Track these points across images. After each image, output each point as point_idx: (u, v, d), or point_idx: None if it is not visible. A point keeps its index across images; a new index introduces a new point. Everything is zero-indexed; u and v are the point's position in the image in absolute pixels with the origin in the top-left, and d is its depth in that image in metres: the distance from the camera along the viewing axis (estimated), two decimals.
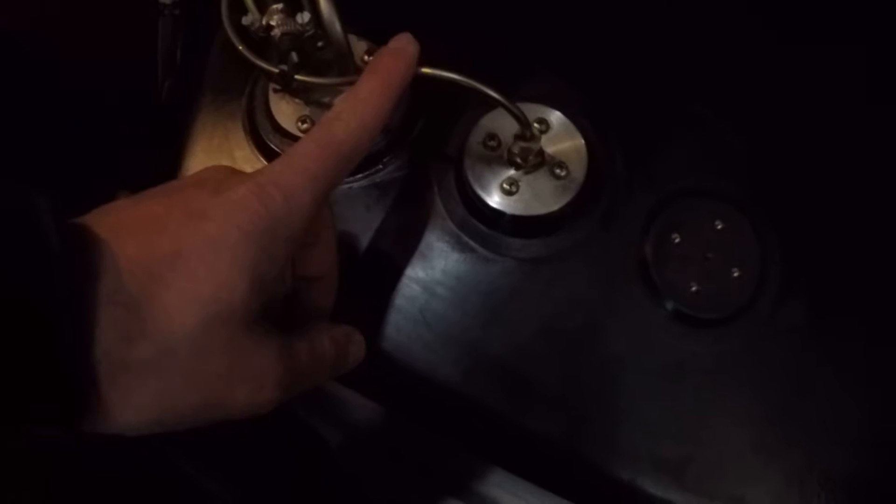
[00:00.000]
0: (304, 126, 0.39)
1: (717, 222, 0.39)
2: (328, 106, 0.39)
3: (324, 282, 0.32)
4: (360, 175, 0.40)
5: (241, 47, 0.37)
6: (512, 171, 0.38)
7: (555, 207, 0.37)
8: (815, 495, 0.38)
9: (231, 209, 0.25)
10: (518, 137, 0.36)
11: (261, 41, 0.37)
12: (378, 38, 0.38)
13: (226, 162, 0.41)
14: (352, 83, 0.31)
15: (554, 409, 0.38)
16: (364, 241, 0.40)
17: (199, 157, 0.41)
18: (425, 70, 0.33)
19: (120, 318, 0.23)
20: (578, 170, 0.38)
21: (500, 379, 0.38)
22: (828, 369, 0.39)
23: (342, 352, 0.32)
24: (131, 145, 0.47)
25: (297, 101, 0.40)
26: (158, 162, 0.43)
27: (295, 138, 0.39)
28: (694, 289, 0.38)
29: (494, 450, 0.40)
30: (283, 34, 0.35)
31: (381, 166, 0.40)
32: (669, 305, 0.39)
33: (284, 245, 0.26)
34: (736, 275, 0.39)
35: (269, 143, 0.40)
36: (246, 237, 0.25)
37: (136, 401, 0.24)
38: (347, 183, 0.40)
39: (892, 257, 0.40)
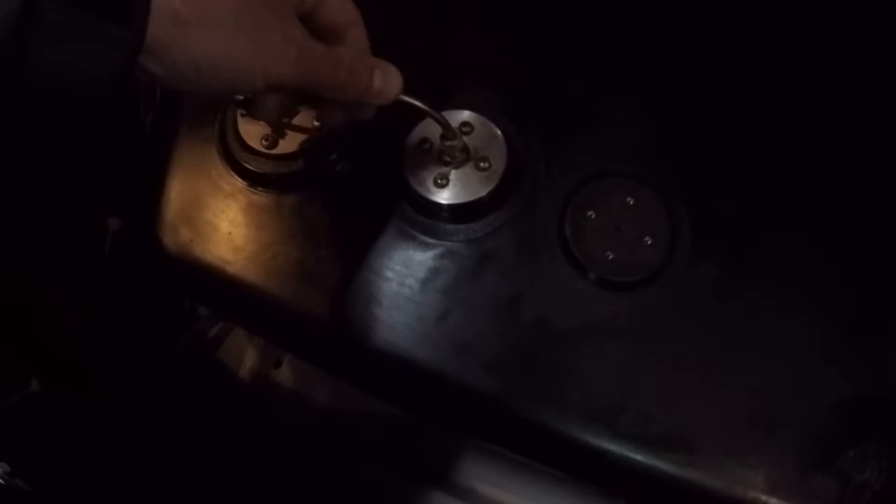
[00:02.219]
0: (267, 143, 0.48)
1: (628, 199, 0.47)
2: (288, 125, 0.49)
3: (353, 29, 0.39)
4: (314, 181, 0.49)
5: None
6: (442, 168, 0.46)
7: (481, 194, 0.46)
8: (738, 430, 0.45)
9: None
10: (443, 138, 0.45)
11: None
12: None
13: (202, 180, 0.50)
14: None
15: (493, 370, 0.46)
16: (323, 237, 0.48)
17: (180, 177, 0.51)
18: None
19: None
20: (499, 161, 0.46)
21: (444, 347, 0.46)
22: (738, 321, 0.46)
23: (362, 69, 0.38)
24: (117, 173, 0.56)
25: (260, 123, 0.49)
26: (144, 185, 0.53)
27: (261, 154, 0.48)
28: (610, 257, 0.46)
29: (441, 411, 0.48)
30: None
31: (335, 171, 0.49)
32: (590, 273, 0.46)
33: None
34: (648, 242, 0.47)
35: (239, 160, 0.49)
36: None
37: (185, 40, 0.30)
38: (303, 189, 0.49)
39: (792, 214, 0.48)
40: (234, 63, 0.33)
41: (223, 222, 0.49)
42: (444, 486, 0.66)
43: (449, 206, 0.46)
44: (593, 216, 0.47)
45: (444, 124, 0.44)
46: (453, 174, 0.46)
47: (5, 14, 0.27)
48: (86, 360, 0.56)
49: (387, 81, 0.39)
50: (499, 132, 0.47)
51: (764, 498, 0.45)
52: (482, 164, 0.46)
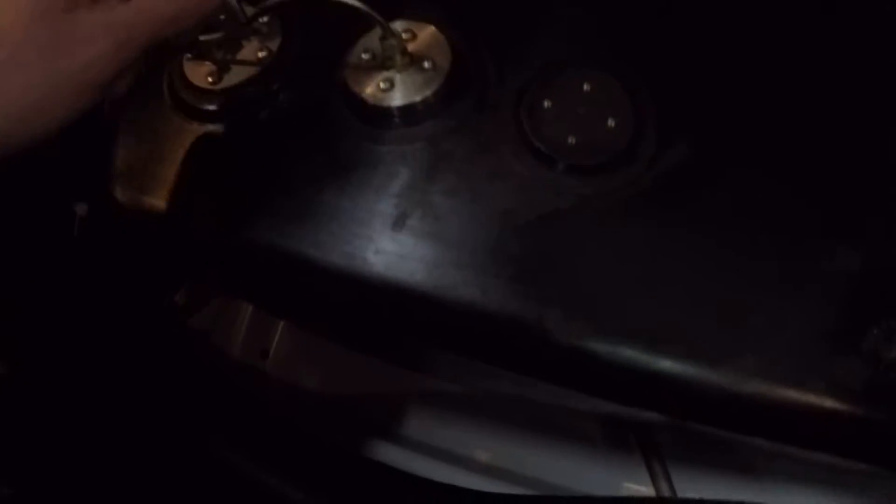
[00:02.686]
0: (213, 79, 0.48)
1: (584, 86, 0.45)
2: (233, 60, 0.48)
3: None
4: (259, 113, 0.48)
5: None
6: (386, 73, 0.45)
7: (427, 93, 0.45)
8: (740, 319, 0.41)
9: None
10: (381, 39, 0.44)
11: None
12: None
13: (152, 129, 0.50)
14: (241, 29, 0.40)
15: (461, 271, 0.43)
16: (276, 165, 0.47)
17: (130, 131, 0.51)
18: None
19: None
20: (443, 60, 0.45)
21: (414, 259, 0.44)
22: (722, 202, 0.43)
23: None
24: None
25: (205, 63, 0.49)
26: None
27: (206, 90, 0.48)
28: (573, 141, 0.44)
29: (421, 323, 0.45)
30: None
31: (275, 99, 0.48)
32: (552, 161, 0.44)
33: None
34: (612, 124, 0.44)
35: (186, 100, 0.49)
36: None
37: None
38: (253, 120, 0.48)
39: (762, 89, 0.45)
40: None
41: (174, 165, 0.48)
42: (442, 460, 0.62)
43: (396, 108, 0.45)
44: (549, 105, 0.45)
45: (379, 21, 0.43)
46: (398, 78, 0.45)
47: None
48: (55, 341, 0.54)
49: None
50: (440, 34, 0.46)
51: (783, 391, 0.41)
52: (426, 65, 0.45)
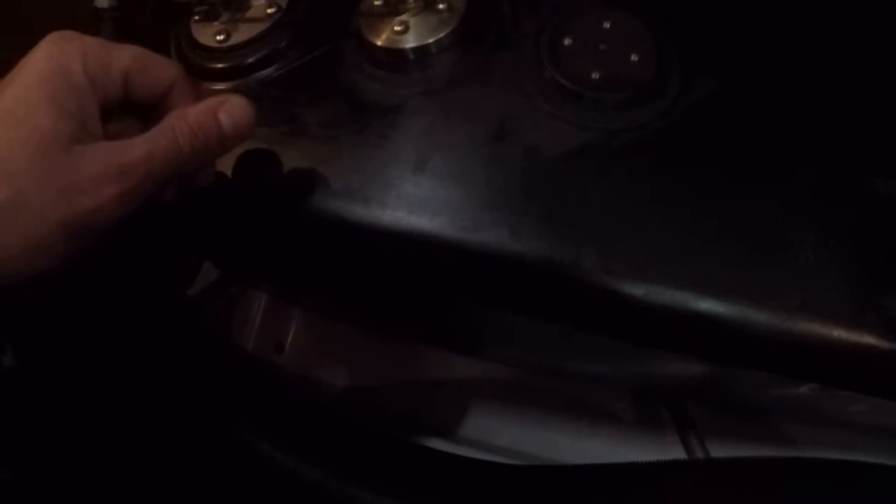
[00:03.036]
0: (221, 38, 0.47)
1: (604, 23, 0.45)
2: (242, 19, 0.48)
3: (175, 90, 0.37)
4: (270, 69, 0.47)
5: None
6: (401, 17, 0.44)
7: (444, 34, 0.44)
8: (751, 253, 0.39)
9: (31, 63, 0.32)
10: None
11: None
12: None
13: None
14: None
15: (485, 213, 0.41)
16: (290, 116, 0.46)
17: None
18: None
19: None
20: (458, 1, 0.44)
21: (438, 202, 0.42)
22: (744, 134, 0.42)
23: (204, 122, 0.35)
24: None
25: (214, 23, 0.48)
26: None
27: (215, 49, 0.47)
28: (595, 76, 0.43)
29: (447, 270, 0.43)
30: None
31: (285, 53, 0.47)
32: (576, 95, 0.43)
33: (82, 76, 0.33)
34: (635, 59, 0.43)
35: (196, 61, 0.48)
36: (42, 80, 0.32)
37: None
38: (263, 76, 0.47)
39: (782, 15, 0.45)
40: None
41: None
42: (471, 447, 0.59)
43: (411, 50, 0.44)
44: (570, 42, 0.44)
45: None
46: (412, 21, 0.44)
47: None
48: (64, 333, 0.52)
49: (234, 114, 0.37)
50: None
51: (832, 327, 0.39)
52: (440, 7, 0.44)
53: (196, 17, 0.48)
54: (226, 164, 0.44)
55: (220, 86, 0.48)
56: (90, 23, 0.58)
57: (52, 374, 0.52)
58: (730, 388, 0.52)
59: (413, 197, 0.42)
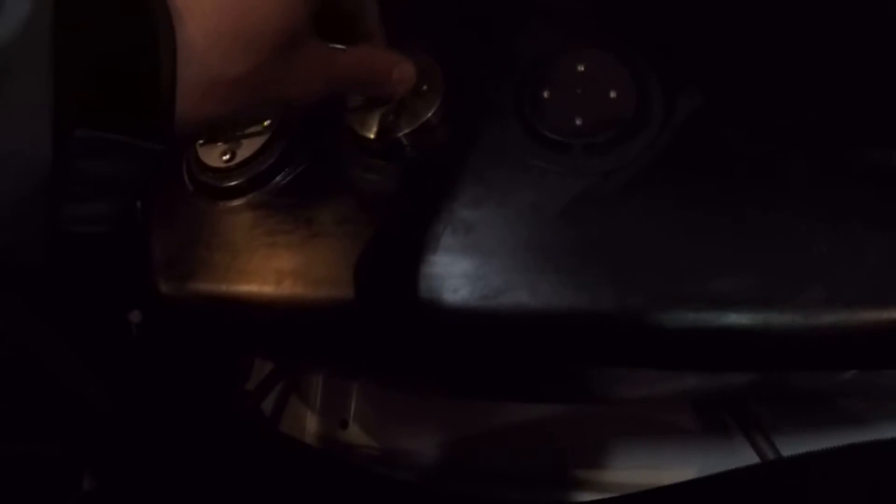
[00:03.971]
0: (227, 157, 0.51)
1: (577, 67, 0.47)
2: (242, 135, 0.51)
3: (368, 13, 0.41)
4: (279, 177, 0.51)
5: None
6: (386, 107, 0.47)
7: (430, 114, 0.46)
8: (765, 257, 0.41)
9: None
10: None
11: None
12: None
13: (181, 217, 0.52)
14: None
15: (512, 279, 0.43)
16: (308, 222, 0.49)
17: (162, 224, 0.53)
18: None
19: None
20: (436, 81, 0.47)
21: (455, 276, 0.45)
22: (737, 144, 0.43)
23: (383, 68, 0.41)
24: None
25: (217, 144, 0.52)
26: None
27: (224, 169, 0.51)
28: (578, 122, 0.45)
29: (475, 340, 0.45)
30: None
31: (289, 159, 0.50)
32: (565, 146, 0.45)
33: None
34: (614, 96, 0.45)
35: (208, 182, 0.52)
36: None
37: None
38: (272, 186, 0.50)
39: (748, 25, 0.46)
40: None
41: (208, 245, 0.51)
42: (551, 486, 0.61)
43: (403, 136, 0.47)
44: (549, 94, 0.46)
45: None
46: (399, 108, 0.47)
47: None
48: (138, 452, 0.56)
49: (403, 75, 0.42)
50: (425, 56, 0.48)
51: (862, 313, 0.40)
52: (423, 88, 0.47)
53: (200, 141, 0.52)
54: (264, 272, 0.48)
55: (233, 202, 0.52)
56: None
57: (128, 497, 0.56)
58: (785, 383, 0.53)
59: (431, 275, 0.45)
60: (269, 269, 0.49)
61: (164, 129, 0.30)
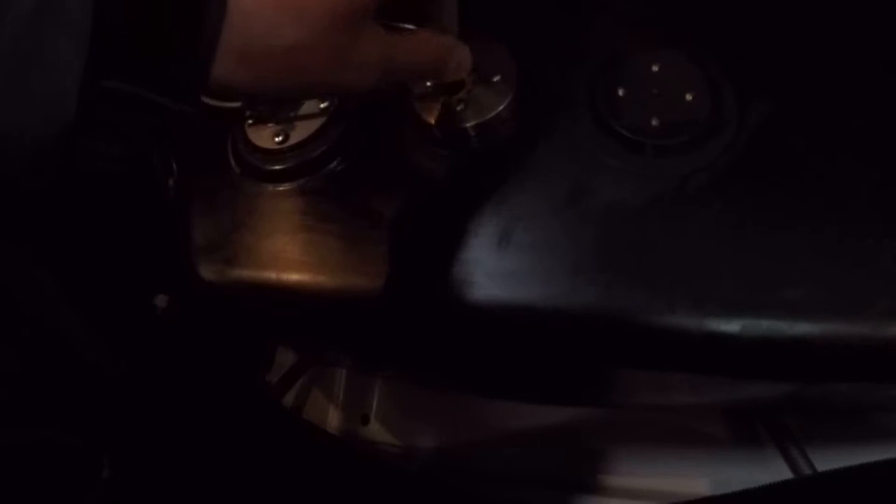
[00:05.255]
0: (280, 139, 0.50)
1: (652, 67, 0.47)
2: (296, 117, 0.50)
3: None
4: (333, 163, 0.50)
5: (211, 101, 0.49)
6: (457, 95, 0.47)
7: (503, 105, 0.46)
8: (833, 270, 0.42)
9: None
10: None
11: None
12: None
13: (225, 199, 0.51)
14: None
15: (577, 278, 0.44)
16: (362, 211, 0.48)
17: (203, 206, 0.52)
18: None
19: None
20: (510, 71, 0.47)
21: (529, 273, 0.45)
22: (807, 146, 0.44)
23: (443, 52, 0.39)
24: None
25: (269, 124, 0.51)
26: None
27: (277, 151, 0.50)
28: (655, 123, 0.46)
29: (544, 339, 0.45)
30: None
31: (346, 145, 0.50)
32: (641, 146, 0.45)
33: None
34: (690, 98, 0.46)
35: (257, 164, 0.50)
36: None
37: None
38: (327, 172, 0.50)
39: (824, 32, 0.47)
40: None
41: (255, 230, 0.50)
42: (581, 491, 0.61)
43: (473, 126, 0.46)
44: (624, 93, 0.47)
45: None
46: (469, 97, 0.47)
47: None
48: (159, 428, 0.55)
49: (461, 62, 0.41)
50: (502, 47, 0.48)
51: None
52: (495, 79, 0.47)
53: (250, 121, 0.51)
54: (316, 261, 0.47)
55: (283, 186, 0.51)
56: None
57: (148, 485, 0.55)
58: (824, 398, 0.54)
59: (501, 272, 0.45)
60: (323, 258, 0.48)
61: (194, 89, 0.29)
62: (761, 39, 0.47)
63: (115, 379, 0.54)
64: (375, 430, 0.67)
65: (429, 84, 0.48)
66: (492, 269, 0.44)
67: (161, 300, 0.59)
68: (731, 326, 0.42)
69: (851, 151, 0.44)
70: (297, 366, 0.65)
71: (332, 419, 0.68)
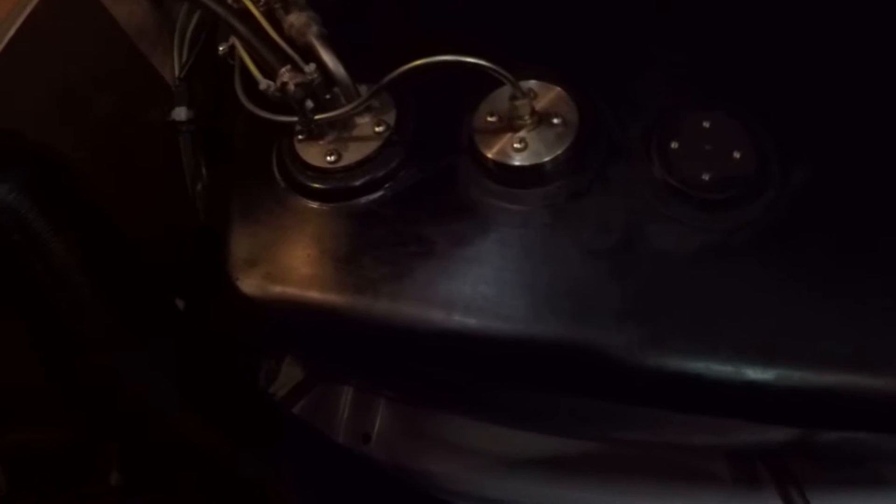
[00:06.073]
0: (333, 158, 0.51)
1: (703, 123, 0.50)
2: (350, 137, 0.52)
3: None
4: (382, 189, 0.51)
5: (263, 113, 0.50)
6: (518, 133, 0.49)
7: (563, 148, 0.49)
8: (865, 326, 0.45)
9: None
10: (512, 98, 0.48)
11: (277, 104, 0.50)
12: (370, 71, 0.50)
13: (268, 212, 0.52)
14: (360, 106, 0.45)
15: (623, 322, 0.46)
16: (407, 237, 0.50)
17: (244, 216, 0.53)
18: (421, 62, 0.45)
19: None
20: (571, 115, 0.49)
21: (563, 310, 0.47)
22: (843, 210, 0.48)
23: None
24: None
25: (319, 142, 0.52)
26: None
27: (328, 170, 0.51)
28: (706, 177, 0.49)
29: (578, 379, 0.48)
30: (296, 86, 0.48)
31: (399, 170, 0.51)
32: (691, 199, 0.48)
33: None
34: (737, 156, 0.49)
35: (305, 182, 0.51)
36: None
37: None
38: (377, 194, 0.51)
39: (865, 100, 0.51)
40: None
41: (298, 247, 0.51)
42: None
43: (535, 166, 0.48)
44: (677, 146, 0.49)
45: (510, 80, 0.47)
46: (529, 136, 0.49)
47: None
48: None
49: None
50: (564, 92, 0.50)
51: None
52: (555, 121, 0.49)
53: (300, 137, 0.52)
54: (365, 284, 0.48)
55: (331, 205, 0.52)
56: (167, 134, 0.61)
57: (156, 491, 0.55)
58: (834, 445, 0.58)
59: (550, 310, 0.47)
60: (368, 281, 0.49)
61: None
62: (809, 105, 0.51)
63: (130, 382, 0.54)
64: (376, 449, 0.69)
65: (489, 119, 0.50)
66: (541, 305, 0.47)
67: (178, 304, 0.59)
68: (767, 375, 0.46)
69: (881, 218, 0.48)
70: (304, 382, 0.65)
71: (335, 436, 0.69)
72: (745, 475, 0.65)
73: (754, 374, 0.45)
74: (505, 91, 0.48)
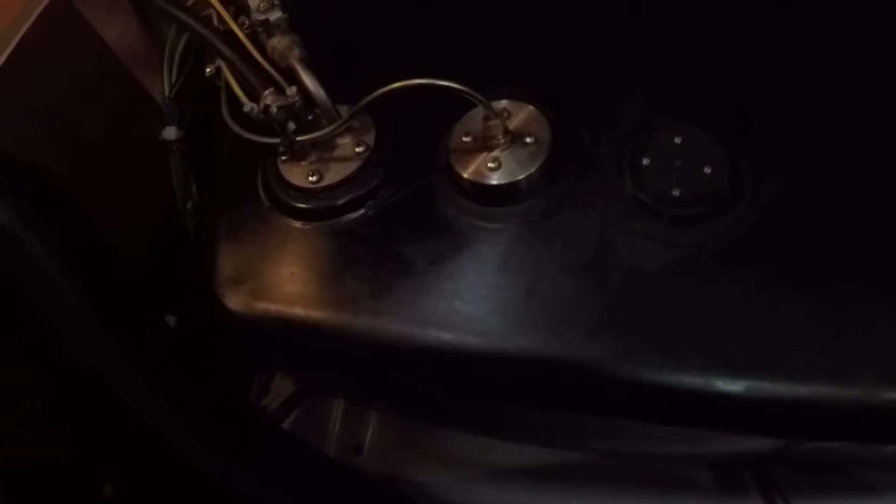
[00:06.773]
0: (315, 178, 0.54)
1: (675, 139, 0.52)
2: (330, 158, 0.54)
3: None
4: (363, 208, 0.54)
5: (248, 135, 0.53)
6: (491, 153, 0.52)
7: (536, 167, 0.51)
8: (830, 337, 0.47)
9: None
10: (485, 119, 0.51)
11: (260, 126, 0.53)
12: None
13: (253, 231, 0.55)
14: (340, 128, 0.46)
15: (596, 335, 0.48)
16: (388, 254, 0.52)
17: (230, 235, 0.55)
18: (397, 85, 0.48)
19: None
20: (543, 134, 0.52)
21: (539, 324, 0.49)
22: (818, 225, 0.50)
23: None
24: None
25: (302, 162, 0.54)
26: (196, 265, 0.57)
27: (310, 190, 0.54)
28: (676, 193, 0.51)
29: (554, 393, 0.50)
30: (278, 108, 0.51)
31: (378, 189, 0.54)
32: (662, 213, 0.51)
33: None
34: (709, 171, 0.51)
35: (288, 201, 0.54)
36: None
37: None
38: (358, 213, 0.53)
39: (836, 109, 0.53)
40: None
41: (282, 265, 0.53)
42: None
43: (508, 185, 0.51)
44: (648, 162, 0.52)
45: (483, 102, 0.49)
46: (503, 156, 0.51)
47: None
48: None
49: None
50: (536, 110, 0.52)
51: None
52: (528, 140, 0.51)
53: (283, 158, 0.55)
54: (345, 300, 0.51)
55: (313, 224, 0.54)
56: (157, 153, 0.64)
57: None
58: (813, 453, 0.60)
59: (525, 323, 0.49)
60: (350, 299, 0.52)
61: None
62: (779, 120, 0.53)
63: (122, 397, 0.56)
64: (367, 461, 0.71)
65: (465, 139, 0.52)
66: (516, 320, 0.49)
67: (169, 321, 0.61)
68: (737, 386, 0.48)
69: (851, 228, 0.50)
70: (296, 394, 0.68)
71: (326, 448, 0.71)
72: (729, 483, 0.67)
73: (724, 385, 0.47)
74: (479, 111, 0.51)
